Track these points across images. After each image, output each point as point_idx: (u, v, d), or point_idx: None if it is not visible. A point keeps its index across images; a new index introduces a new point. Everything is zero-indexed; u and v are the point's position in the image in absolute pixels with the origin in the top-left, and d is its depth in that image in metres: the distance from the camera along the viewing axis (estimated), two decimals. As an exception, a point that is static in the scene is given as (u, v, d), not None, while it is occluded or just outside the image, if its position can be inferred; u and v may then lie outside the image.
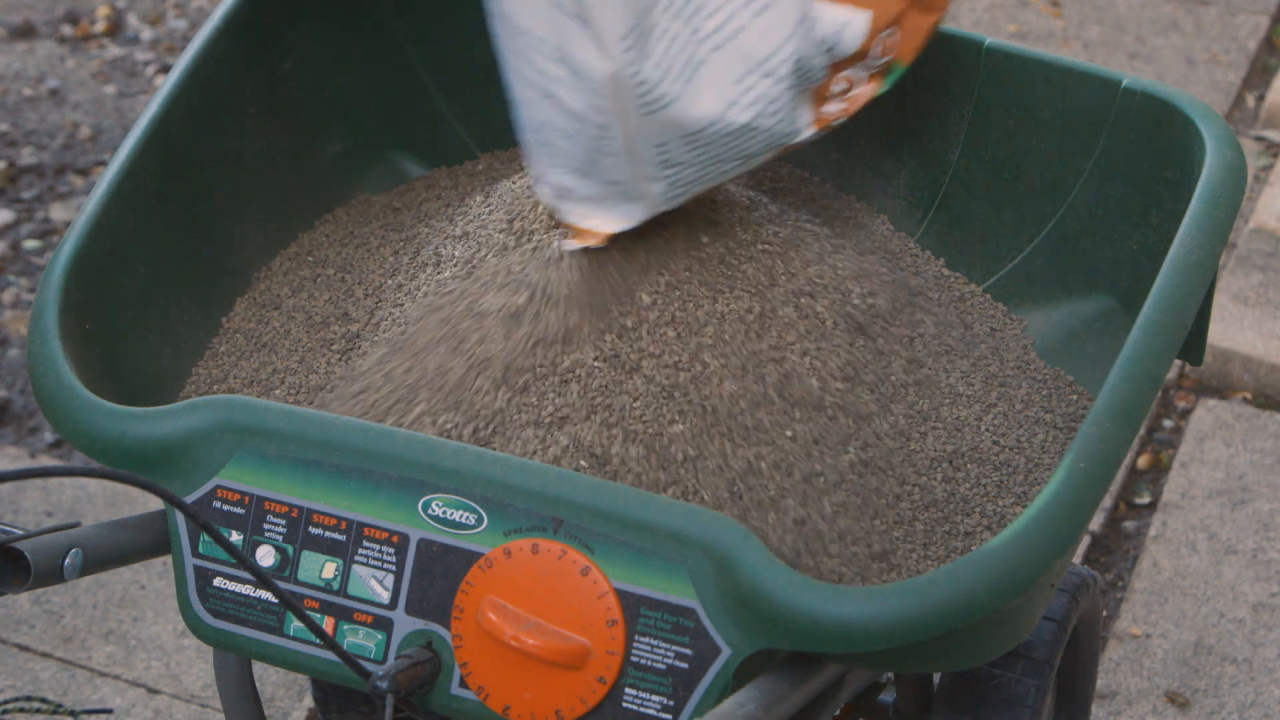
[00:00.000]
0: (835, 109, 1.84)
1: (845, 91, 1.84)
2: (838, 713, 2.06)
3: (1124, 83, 1.94)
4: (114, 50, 4.04)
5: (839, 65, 1.82)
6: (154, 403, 1.83)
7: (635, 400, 1.73)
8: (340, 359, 1.89)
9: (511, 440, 1.71)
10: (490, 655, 1.58)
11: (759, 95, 1.76)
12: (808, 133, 1.83)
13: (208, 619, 1.65)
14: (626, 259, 1.79)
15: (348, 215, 2.08)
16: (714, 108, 1.74)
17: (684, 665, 1.55)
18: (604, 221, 1.79)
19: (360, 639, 1.62)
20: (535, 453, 1.70)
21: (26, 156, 3.69)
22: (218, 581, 1.65)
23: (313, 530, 1.63)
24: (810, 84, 1.81)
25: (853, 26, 1.81)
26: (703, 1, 1.74)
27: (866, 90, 1.85)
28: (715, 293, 1.79)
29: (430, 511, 1.61)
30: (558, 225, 1.82)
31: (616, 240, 1.79)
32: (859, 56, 1.83)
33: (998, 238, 2.04)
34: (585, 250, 1.79)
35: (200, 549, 1.65)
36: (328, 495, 1.63)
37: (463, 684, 1.60)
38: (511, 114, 2.23)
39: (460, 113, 2.17)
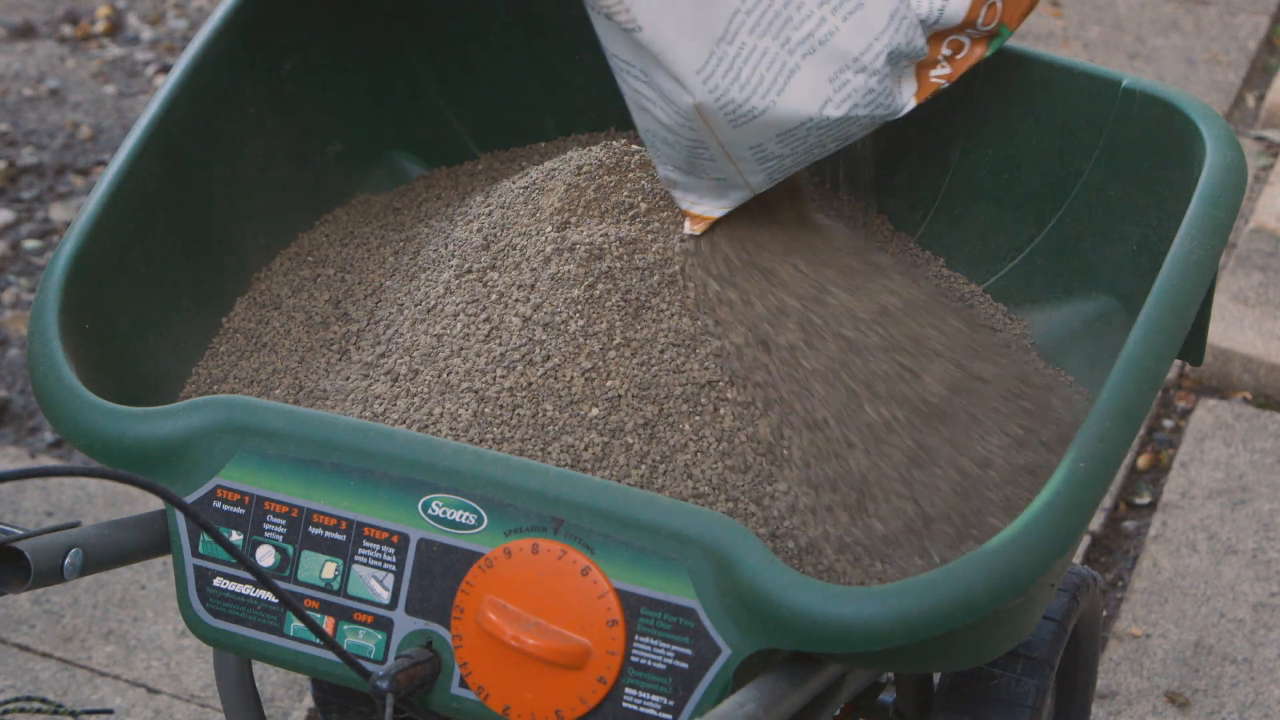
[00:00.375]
0: (941, 73, 1.85)
1: (953, 55, 1.85)
2: (838, 713, 2.06)
3: (1124, 83, 1.94)
4: (114, 50, 4.04)
5: (943, 34, 1.84)
6: (154, 403, 1.83)
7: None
8: (340, 359, 1.89)
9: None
10: (490, 655, 1.58)
11: (854, 89, 1.77)
12: (911, 104, 1.85)
13: (208, 619, 1.65)
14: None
15: (348, 215, 2.08)
16: (807, 108, 1.76)
17: (684, 665, 1.55)
18: (710, 208, 1.83)
19: (360, 639, 1.62)
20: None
21: (26, 156, 3.69)
22: (218, 581, 1.65)
23: (313, 530, 1.63)
24: (913, 60, 1.82)
25: (955, 1, 1.83)
26: (791, 13, 1.75)
27: (975, 53, 1.86)
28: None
29: (430, 511, 1.61)
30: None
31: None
32: (965, 26, 1.84)
33: (998, 238, 2.04)
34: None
35: (200, 549, 1.65)
36: (328, 495, 1.63)
37: (463, 684, 1.60)
38: (511, 113, 2.23)
39: (460, 113, 2.17)
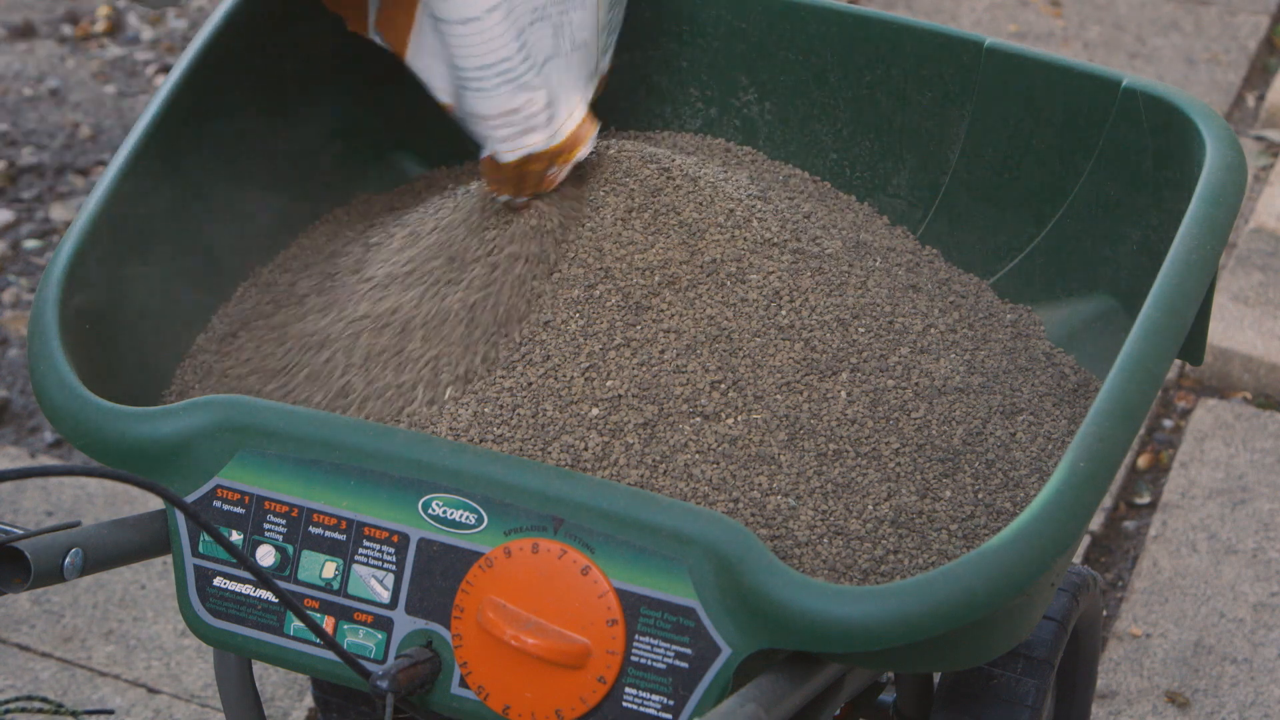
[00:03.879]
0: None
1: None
2: (838, 713, 2.06)
3: (1124, 83, 1.94)
4: (114, 50, 4.04)
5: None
6: (154, 402, 1.83)
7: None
8: (340, 357, 1.89)
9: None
10: (490, 655, 1.59)
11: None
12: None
13: (208, 619, 1.65)
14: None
15: (348, 215, 2.08)
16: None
17: (684, 665, 1.55)
18: (579, 103, 1.92)
19: (360, 639, 1.62)
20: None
21: (26, 156, 3.69)
22: (218, 581, 1.65)
23: (313, 530, 1.63)
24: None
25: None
26: None
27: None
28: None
29: (430, 511, 1.61)
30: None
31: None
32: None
33: (998, 238, 2.04)
34: None
35: (200, 549, 1.65)
36: (328, 495, 1.63)
37: (463, 683, 1.60)
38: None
39: (460, 113, 2.17)
